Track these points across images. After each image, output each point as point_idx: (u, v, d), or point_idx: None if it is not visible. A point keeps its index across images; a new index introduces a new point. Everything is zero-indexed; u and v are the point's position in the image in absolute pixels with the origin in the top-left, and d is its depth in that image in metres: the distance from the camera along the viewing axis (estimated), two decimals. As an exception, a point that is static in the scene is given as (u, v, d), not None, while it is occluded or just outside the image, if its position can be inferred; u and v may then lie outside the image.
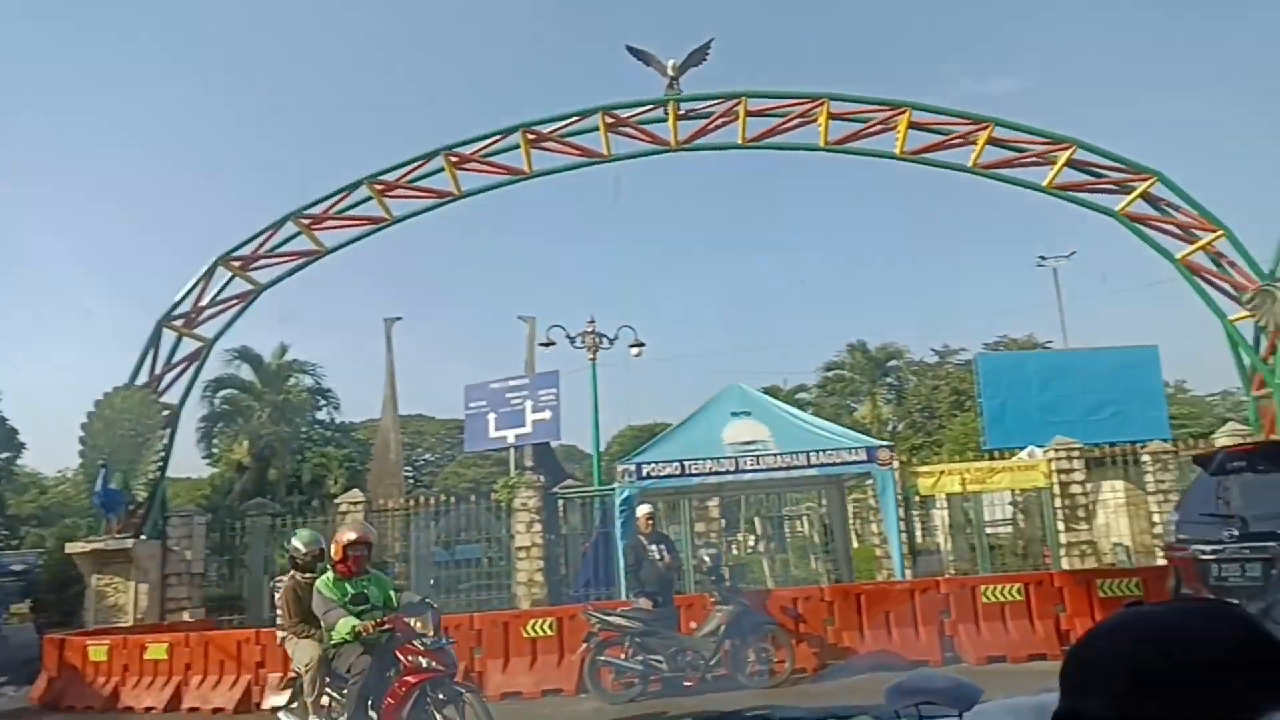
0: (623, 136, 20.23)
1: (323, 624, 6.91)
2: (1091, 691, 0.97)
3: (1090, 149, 18.92)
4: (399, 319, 33.16)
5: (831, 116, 19.64)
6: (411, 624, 6.87)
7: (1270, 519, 7.07)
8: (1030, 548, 21.64)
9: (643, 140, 20.16)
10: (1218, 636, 0.96)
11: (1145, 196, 18.93)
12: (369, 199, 19.38)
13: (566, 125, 19.95)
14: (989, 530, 21.77)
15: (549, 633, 11.26)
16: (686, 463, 12.68)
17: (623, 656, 10.33)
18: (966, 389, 40.65)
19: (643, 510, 10.97)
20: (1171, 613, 1.03)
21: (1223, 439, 18.02)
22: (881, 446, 12.78)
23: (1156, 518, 18.84)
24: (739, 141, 19.95)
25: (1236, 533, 7.25)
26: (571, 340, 23.48)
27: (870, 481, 16.36)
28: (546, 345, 23.26)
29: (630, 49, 20.58)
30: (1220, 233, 18.32)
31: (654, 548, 10.81)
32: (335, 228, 19.53)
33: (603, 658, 10.39)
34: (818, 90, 19.73)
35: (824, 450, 12.60)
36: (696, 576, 11.04)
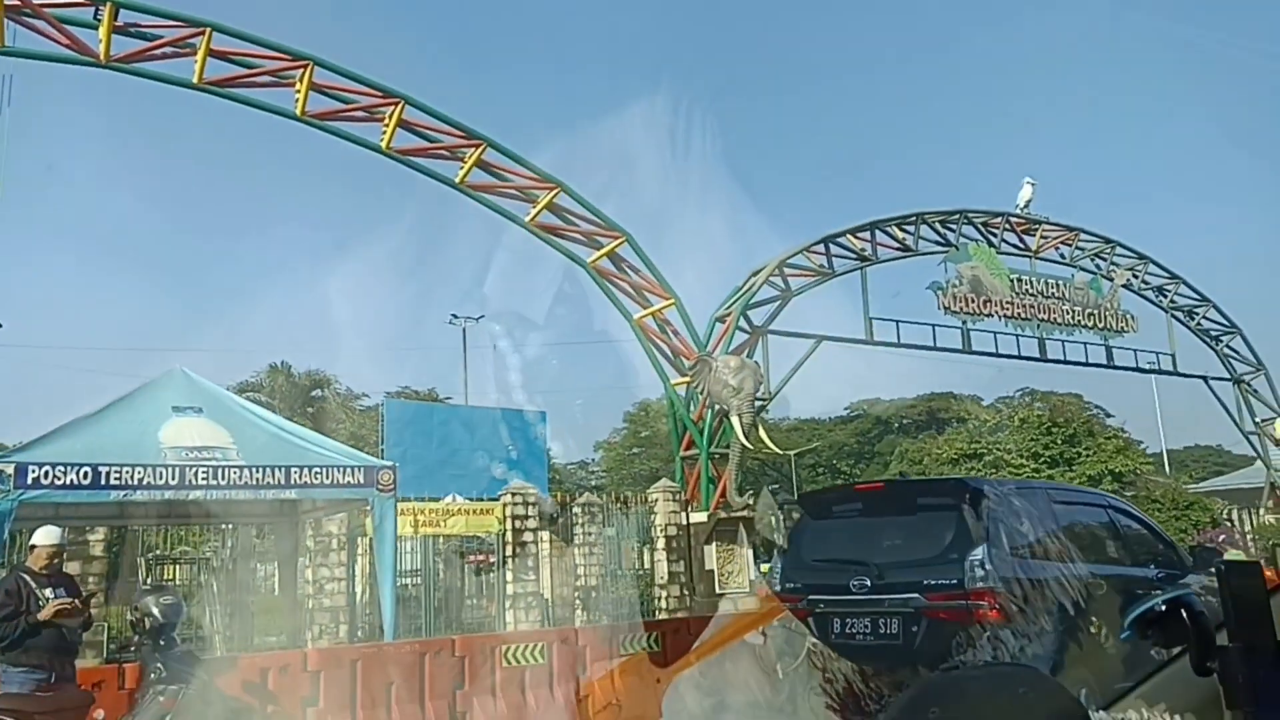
0: (32, 30, 14.86)
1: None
2: None
3: (574, 196, 18.86)
4: None
5: (313, 87, 16.82)
6: None
7: (910, 567, 6.38)
8: (449, 598, 20.41)
9: (61, 43, 14.98)
10: (1038, 704, 0.95)
11: (612, 255, 19.39)
12: None
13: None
14: (403, 580, 20.03)
15: None
16: (104, 469, 8.56)
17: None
18: (365, 434, 38.97)
19: (48, 536, 6.79)
20: (991, 678, 1.11)
21: (655, 494, 18.80)
22: (384, 468, 10.16)
23: (580, 570, 18.92)
24: (193, 80, 15.94)
25: (869, 582, 6.45)
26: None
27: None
28: None
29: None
30: (671, 301, 19.43)
31: (49, 593, 6.78)
32: None
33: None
34: (304, 51, 16.74)
35: (310, 468, 9.56)
36: (133, 638, 7.11)
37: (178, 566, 19.65)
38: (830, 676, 5.60)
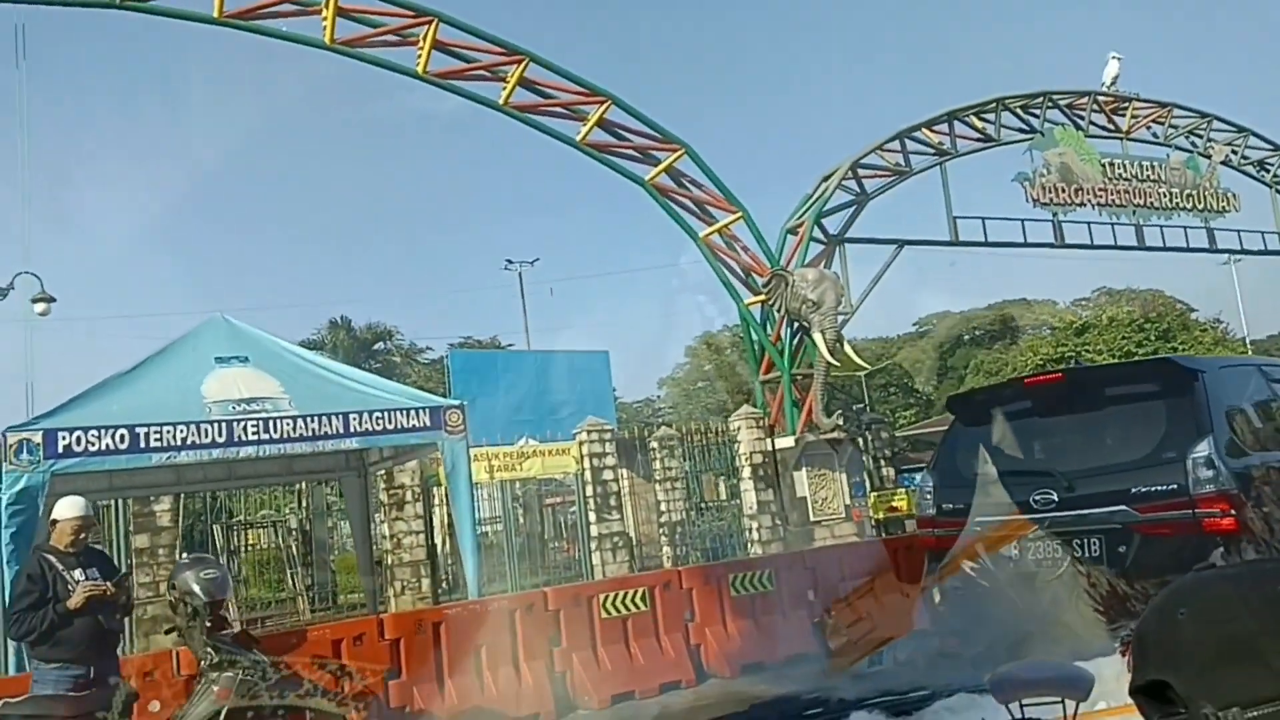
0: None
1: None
2: (1181, 662, 0.87)
3: (626, 108, 17.42)
4: None
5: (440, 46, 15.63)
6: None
7: (1110, 474, 5.10)
8: (530, 544, 19.71)
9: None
10: None
11: (671, 170, 17.97)
12: None
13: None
14: (482, 529, 19.37)
15: None
16: (141, 429, 7.65)
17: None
18: (432, 387, 38.70)
19: (71, 509, 5.84)
20: (1247, 577, 0.94)
21: (737, 421, 17.63)
22: (451, 407, 9.13)
23: (663, 506, 17.92)
24: (418, 71, 15.43)
25: (1056, 496, 5.19)
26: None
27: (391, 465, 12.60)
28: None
29: None
30: (739, 214, 18.00)
31: (78, 575, 5.87)
32: None
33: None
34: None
35: (370, 413, 8.57)
36: (175, 621, 6.15)
37: (260, 532, 19.15)
38: (1094, 581, 4.66)
